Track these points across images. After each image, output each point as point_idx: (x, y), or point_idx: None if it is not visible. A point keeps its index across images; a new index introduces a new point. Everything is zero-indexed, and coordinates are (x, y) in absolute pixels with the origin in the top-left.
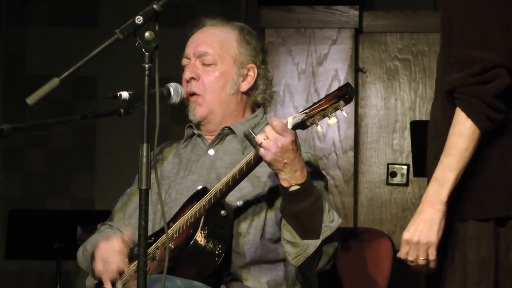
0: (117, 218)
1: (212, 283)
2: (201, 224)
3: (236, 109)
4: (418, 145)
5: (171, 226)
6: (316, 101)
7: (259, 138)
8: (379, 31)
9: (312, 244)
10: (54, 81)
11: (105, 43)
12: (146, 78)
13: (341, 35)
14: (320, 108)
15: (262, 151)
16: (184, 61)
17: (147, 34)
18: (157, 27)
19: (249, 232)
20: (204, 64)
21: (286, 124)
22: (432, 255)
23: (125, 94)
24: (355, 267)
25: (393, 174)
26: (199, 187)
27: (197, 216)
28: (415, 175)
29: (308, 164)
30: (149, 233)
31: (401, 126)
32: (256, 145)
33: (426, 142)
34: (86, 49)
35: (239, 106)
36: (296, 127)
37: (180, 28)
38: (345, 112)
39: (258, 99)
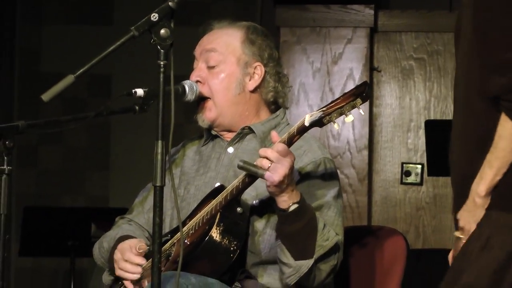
0: (136, 212)
1: (226, 280)
2: (216, 221)
3: (247, 108)
4: (432, 145)
5: (188, 223)
6: (332, 99)
7: (264, 163)
8: (394, 31)
9: (305, 265)
10: (69, 78)
11: (120, 40)
12: (161, 75)
13: (356, 34)
14: (338, 106)
15: (268, 174)
16: (195, 64)
17: (162, 31)
18: (172, 25)
19: (265, 232)
20: (209, 67)
21: (287, 144)
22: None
23: (140, 92)
24: (369, 265)
25: (408, 173)
26: (217, 185)
27: (213, 212)
28: (429, 174)
29: (324, 168)
30: (167, 228)
31: (416, 125)
32: (257, 171)
33: (440, 142)
34: (101, 48)
35: (249, 105)
36: (313, 124)
37: (195, 27)
38: (362, 110)
39: (269, 97)
